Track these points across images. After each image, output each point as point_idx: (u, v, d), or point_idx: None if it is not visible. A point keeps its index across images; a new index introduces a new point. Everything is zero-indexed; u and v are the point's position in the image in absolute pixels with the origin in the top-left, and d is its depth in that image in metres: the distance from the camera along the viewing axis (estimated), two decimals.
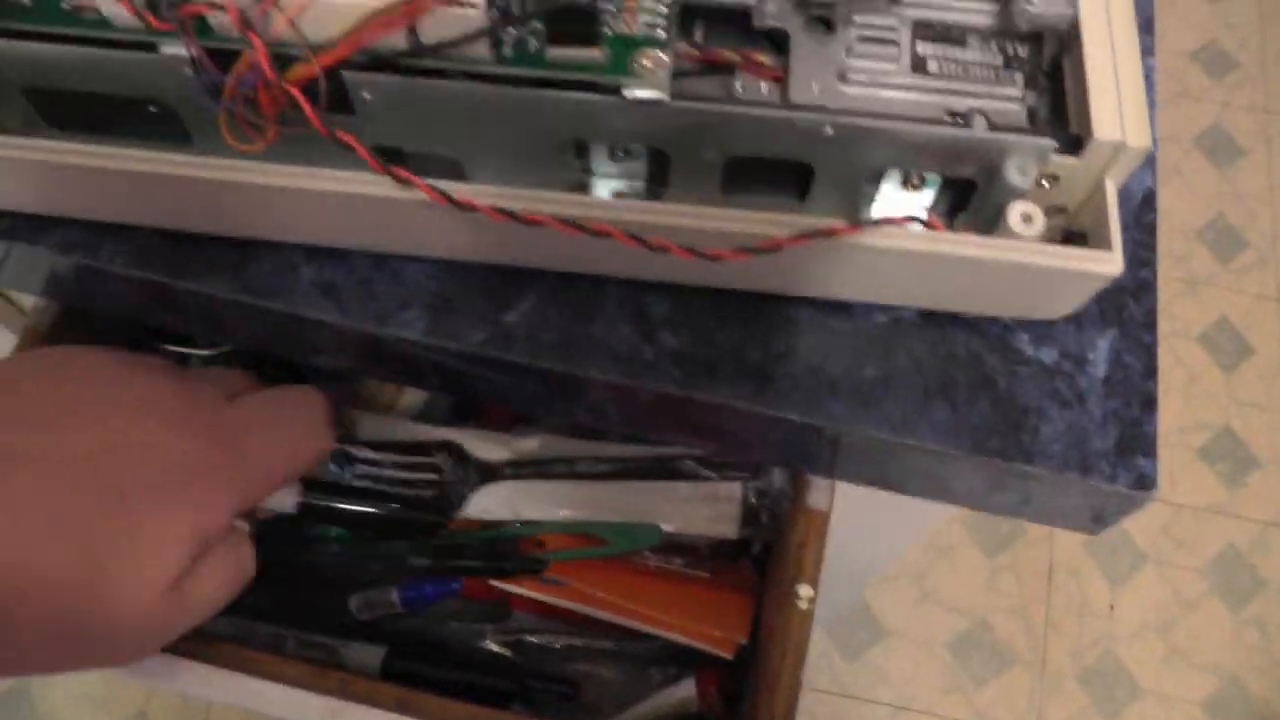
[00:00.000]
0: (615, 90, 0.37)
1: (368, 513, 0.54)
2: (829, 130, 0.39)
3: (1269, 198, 1.64)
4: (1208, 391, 1.48)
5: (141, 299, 0.48)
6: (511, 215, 0.37)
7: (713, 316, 0.44)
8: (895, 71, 0.42)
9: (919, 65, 0.42)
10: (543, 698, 0.53)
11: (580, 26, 0.37)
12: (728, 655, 0.52)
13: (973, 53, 0.43)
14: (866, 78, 0.42)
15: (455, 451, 0.53)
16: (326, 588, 0.54)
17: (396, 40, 0.36)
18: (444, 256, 0.44)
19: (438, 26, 0.36)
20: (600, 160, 0.43)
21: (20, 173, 0.42)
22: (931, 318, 0.45)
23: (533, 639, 0.55)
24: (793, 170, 0.42)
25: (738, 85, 0.42)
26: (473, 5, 0.35)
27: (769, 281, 0.43)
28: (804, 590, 0.50)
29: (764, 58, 0.42)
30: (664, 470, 0.55)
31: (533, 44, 0.37)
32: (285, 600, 0.54)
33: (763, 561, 0.58)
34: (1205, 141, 1.70)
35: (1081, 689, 1.29)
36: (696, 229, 0.39)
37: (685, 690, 0.53)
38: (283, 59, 0.36)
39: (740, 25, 0.42)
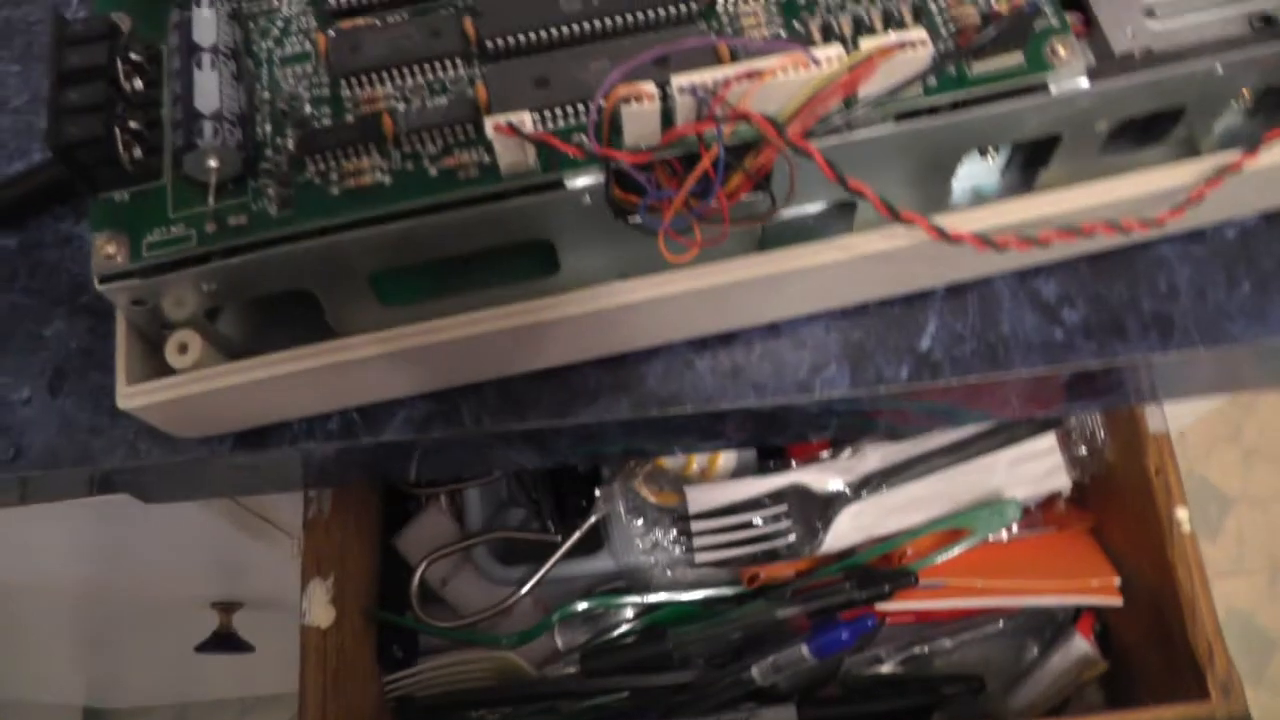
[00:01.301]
0: (1041, 88, 0.36)
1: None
2: (1219, 70, 0.39)
3: None
4: None
5: (491, 449, 0.44)
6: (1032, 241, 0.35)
7: (1095, 281, 0.43)
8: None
9: None
10: (957, 699, 0.53)
11: (1012, 39, 0.36)
12: (1118, 601, 0.53)
13: None
14: (1170, 8, 0.41)
15: (799, 493, 0.52)
16: (703, 666, 0.52)
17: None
18: (839, 306, 0.42)
19: (882, 78, 0.34)
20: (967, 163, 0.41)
21: (374, 367, 0.39)
22: (1273, 218, 0.45)
23: (923, 649, 0.54)
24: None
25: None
26: (922, 44, 0.34)
27: (1136, 231, 0.43)
28: (1181, 513, 0.50)
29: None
30: (978, 445, 0.54)
31: (954, 69, 0.36)
32: (667, 693, 0.52)
33: (1076, 500, 0.58)
34: None
35: None
36: (1116, 202, 0.39)
37: (1079, 648, 0.54)
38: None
39: None
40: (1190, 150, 0.42)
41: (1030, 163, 0.41)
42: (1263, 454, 1.31)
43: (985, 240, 0.35)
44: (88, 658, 1.13)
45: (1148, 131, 0.42)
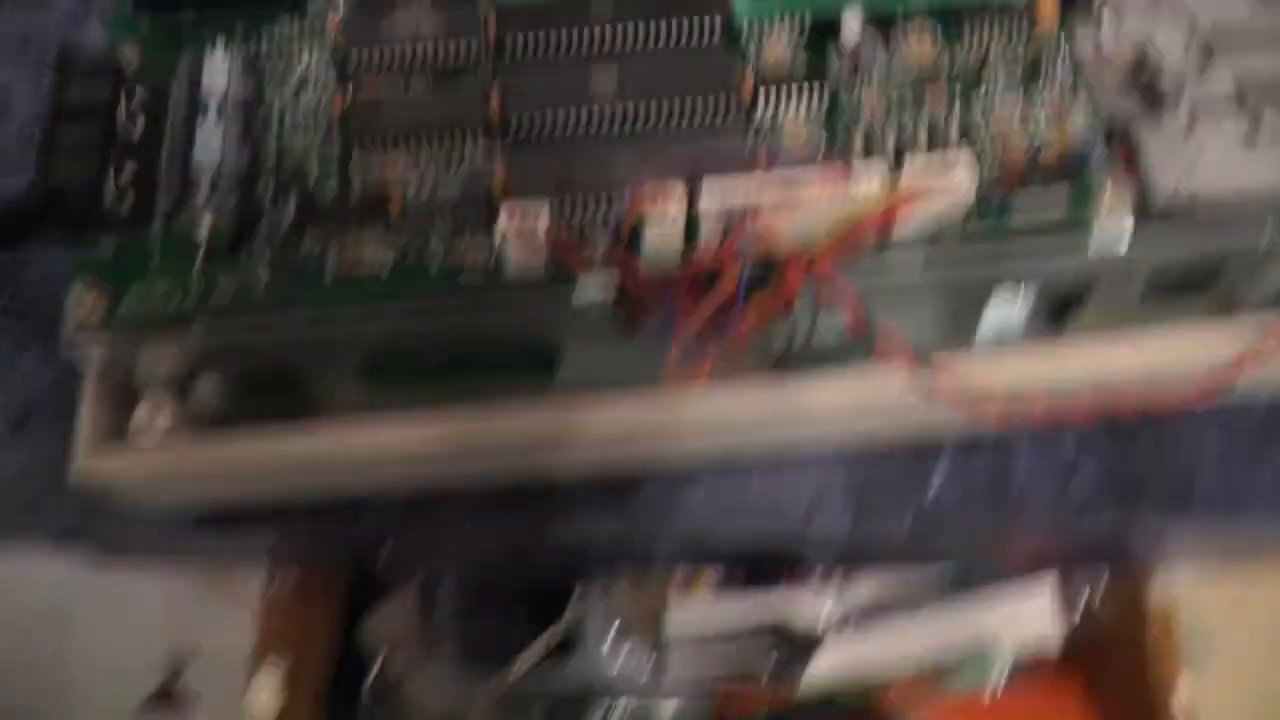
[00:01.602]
0: (1084, 236, 0.34)
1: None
2: (1270, 230, 0.37)
3: None
4: None
5: (467, 550, 0.42)
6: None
7: (1113, 442, 0.41)
8: (1241, 141, 0.40)
9: (1254, 126, 0.40)
10: None
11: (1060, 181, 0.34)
12: None
13: None
14: (1218, 154, 0.39)
15: (782, 619, 0.49)
16: None
17: None
18: (847, 443, 0.40)
19: (923, 214, 0.32)
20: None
21: (355, 457, 0.36)
22: None
23: None
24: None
25: None
26: (967, 183, 0.32)
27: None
28: (1181, 687, 0.48)
29: None
30: (972, 588, 0.51)
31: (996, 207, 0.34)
32: None
33: (1068, 656, 0.55)
34: None
35: None
36: (1153, 362, 0.37)
37: None
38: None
39: None
40: (1230, 304, 0.40)
41: (1062, 304, 0.39)
42: (1254, 588, 1.28)
43: (1013, 415, 0.32)
44: (26, 687, 1.08)
45: (1188, 281, 0.39)
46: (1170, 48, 0.39)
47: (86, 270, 0.33)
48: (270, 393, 0.37)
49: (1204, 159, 0.38)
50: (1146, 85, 0.39)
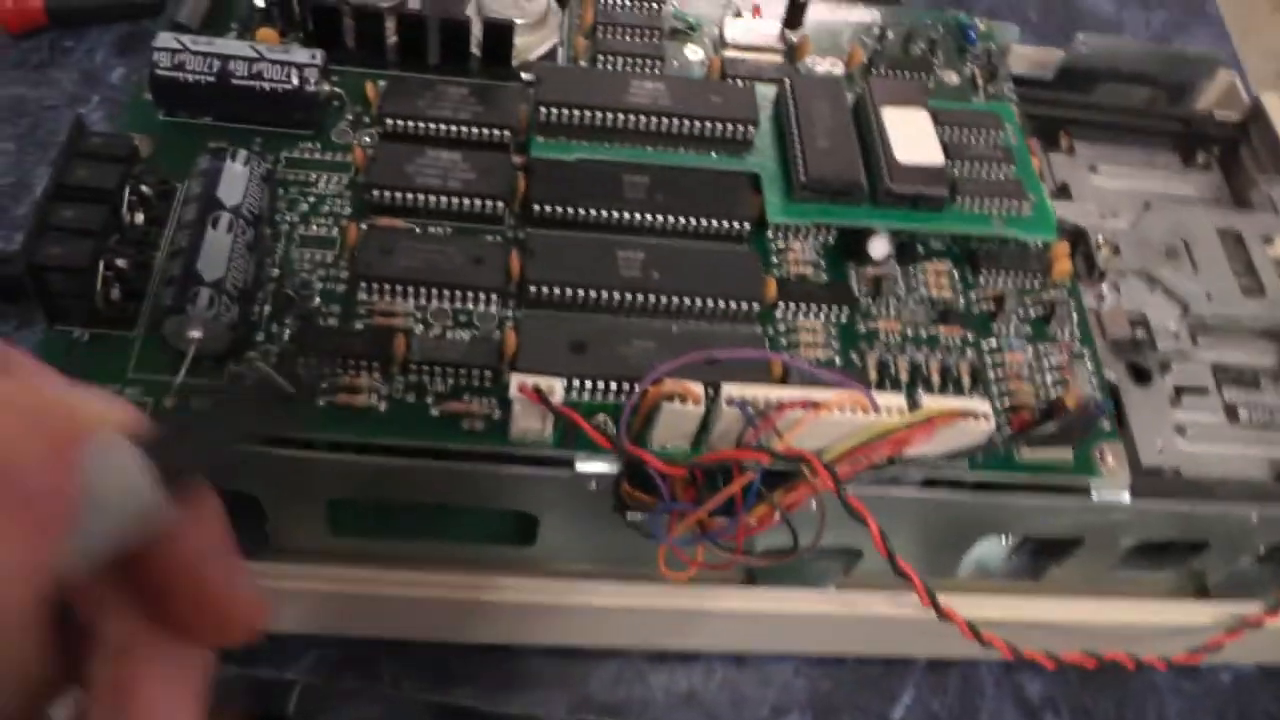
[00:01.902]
0: (1083, 490, 0.34)
1: None
2: (1254, 519, 0.37)
3: None
4: None
5: (394, 710, 0.39)
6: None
7: (1083, 691, 0.40)
8: (1219, 424, 0.40)
9: (1231, 413, 0.41)
10: None
11: (1068, 435, 0.34)
12: None
13: (1270, 395, 0.42)
14: (1200, 432, 0.40)
15: None
16: None
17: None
18: (815, 653, 0.39)
19: (937, 442, 0.32)
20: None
21: (304, 599, 0.34)
22: (1270, 672, 0.43)
23: None
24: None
25: None
26: (985, 418, 0.31)
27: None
28: None
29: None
30: None
31: (1003, 449, 0.34)
32: None
33: None
34: None
35: None
36: (1133, 625, 0.37)
37: None
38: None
39: None
40: (1198, 582, 0.40)
41: (1043, 553, 0.39)
42: None
43: (1014, 651, 0.31)
44: None
45: (1162, 554, 0.40)
46: (1162, 326, 0.40)
47: (53, 358, 0.31)
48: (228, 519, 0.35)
49: (1187, 436, 0.39)
50: (1136, 357, 0.40)
